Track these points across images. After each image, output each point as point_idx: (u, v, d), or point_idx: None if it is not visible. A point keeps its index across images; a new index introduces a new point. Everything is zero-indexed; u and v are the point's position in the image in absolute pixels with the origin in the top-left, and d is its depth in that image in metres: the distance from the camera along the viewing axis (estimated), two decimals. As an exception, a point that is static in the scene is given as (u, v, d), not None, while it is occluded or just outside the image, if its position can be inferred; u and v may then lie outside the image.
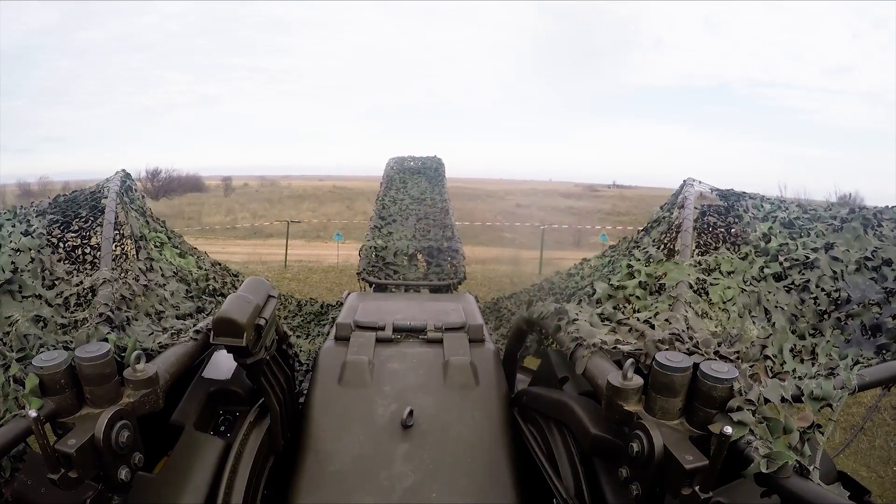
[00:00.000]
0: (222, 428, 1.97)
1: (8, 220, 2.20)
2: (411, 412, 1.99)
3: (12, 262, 1.90)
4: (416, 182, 5.21)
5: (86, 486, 1.27)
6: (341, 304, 3.36)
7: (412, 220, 4.67)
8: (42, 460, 1.18)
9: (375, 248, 4.27)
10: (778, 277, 1.97)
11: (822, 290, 1.84)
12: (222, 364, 2.09)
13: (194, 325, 1.82)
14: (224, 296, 2.61)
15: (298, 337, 3.58)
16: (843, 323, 1.73)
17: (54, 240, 2.23)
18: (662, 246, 2.37)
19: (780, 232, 2.20)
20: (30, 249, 1.99)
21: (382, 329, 2.53)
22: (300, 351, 3.13)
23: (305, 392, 2.24)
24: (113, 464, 1.23)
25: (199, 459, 1.72)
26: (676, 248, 2.22)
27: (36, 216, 2.29)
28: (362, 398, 2.11)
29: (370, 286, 4.09)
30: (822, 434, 1.21)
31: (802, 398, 1.28)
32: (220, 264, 3.19)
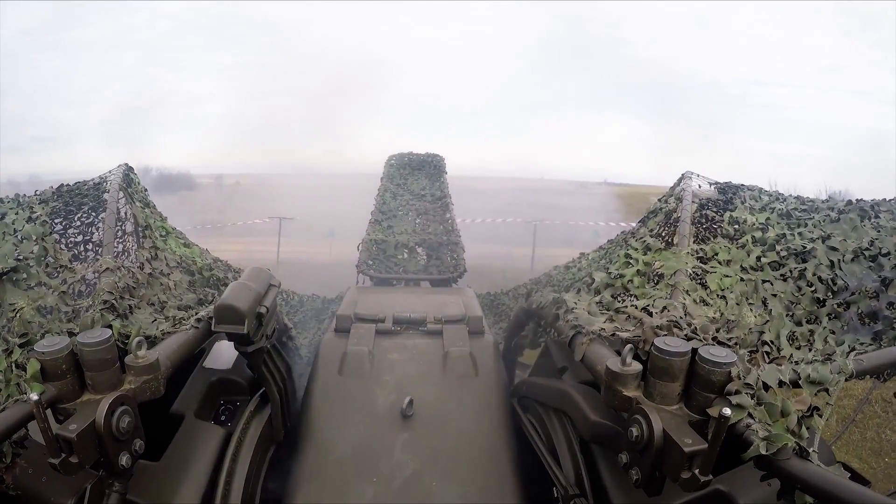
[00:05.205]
0: (223, 417, 1.97)
1: (11, 208, 2.19)
2: (411, 402, 2.00)
3: (16, 250, 1.89)
4: (416, 178, 5.22)
5: (86, 473, 1.27)
6: (342, 297, 3.38)
7: (412, 215, 4.69)
8: (43, 448, 1.18)
9: (376, 241, 4.28)
10: (775, 266, 1.98)
11: (819, 278, 1.85)
12: (223, 354, 2.09)
13: (196, 315, 1.82)
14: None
15: (299, 333, 3.59)
16: (839, 310, 1.75)
17: (57, 235, 2.23)
18: (660, 238, 2.39)
19: (777, 222, 2.22)
20: (33, 237, 1.99)
21: (382, 321, 2.54)
22: (301, 345, 3.14)
23: (306, 383, 2.25)
24: (113, 450, 1.23)
25: (200, 448, 1.72)
26: (674, 241, 2.23)
27: (39, 203, 2.29)
28: (362, 388, 2.12)
29: (370, 279, 4.11)
30: (821, 417, 1.22)
31: (800, 382, 1.30)
32: (220, 260, 3.20)
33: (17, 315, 1.64)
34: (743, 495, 1.38)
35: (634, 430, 1.23)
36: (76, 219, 2.37)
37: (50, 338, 1.28)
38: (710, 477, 1.12)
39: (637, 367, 1.31)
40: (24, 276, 1.83)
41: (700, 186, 2.61)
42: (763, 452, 1.08)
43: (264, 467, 1.94)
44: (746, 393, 1.19)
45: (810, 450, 1.11)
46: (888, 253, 1.85)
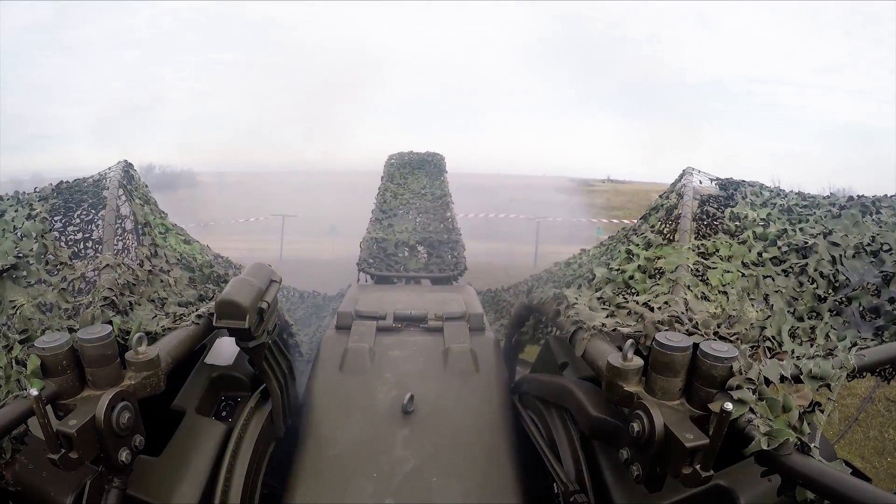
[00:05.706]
0: (224, 413, 1.97)
1: (11, 206, 2.19)
2: (412, 398, 2.00)
3: (16, 247, 1.89)
4: (416, 177, 5.23)
5: (86, 468, 1.27)
6: (343, 295, 3.39)
7: (413, 213, 4.71)
8: (43, 443, 1.18)
9: (376, 239, 4.30)
10: (776, 262, 1.98)
11: (821, 274, 1.85)
12: (224, 350, 2.09)
13: (196, 311, 1.82)
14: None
15: (300, 330, 3.60)
16: (841, 306, 1.74)
17: (56, 232, 2.23)
18: (661, 234, 2.38)
19: (778, 218, 2.21)
20: (33, 234, 1.99)
21: (383, 318, 2.55)
22: (302, 342, 3.15)
23: (307, 380, 2.25)
24: (113, 445, 1.23)
25: (201, 444, 1.72)
26: (676, 237, 2.23)
27: (38, 200, 2.29)
28: (363, 384, 2.12)
29: (371, 277, 4.12)
30: (822, 412, 1.22)
31: (801, 378, 1.29)
32: (221, 257, 3.19)
33: (18, 312, 1.64)
34: (744, 491, 1.37)
35: (635, 426, 1.23)
36: (76, 216, 2.37)
37: (50, 334, 1.28)
38: (712, 472, 1.11)
39: (638, 362, 1.30)
40: (24, 273, 1.83)
41: (701, 182, 2.61)
42: (764, 447, 1.08)
43: (265, 463, 1.94)
44: (748, 388, 1.19)
45: (812, 445, 1.11)
46: (889, 249, 1.85)
